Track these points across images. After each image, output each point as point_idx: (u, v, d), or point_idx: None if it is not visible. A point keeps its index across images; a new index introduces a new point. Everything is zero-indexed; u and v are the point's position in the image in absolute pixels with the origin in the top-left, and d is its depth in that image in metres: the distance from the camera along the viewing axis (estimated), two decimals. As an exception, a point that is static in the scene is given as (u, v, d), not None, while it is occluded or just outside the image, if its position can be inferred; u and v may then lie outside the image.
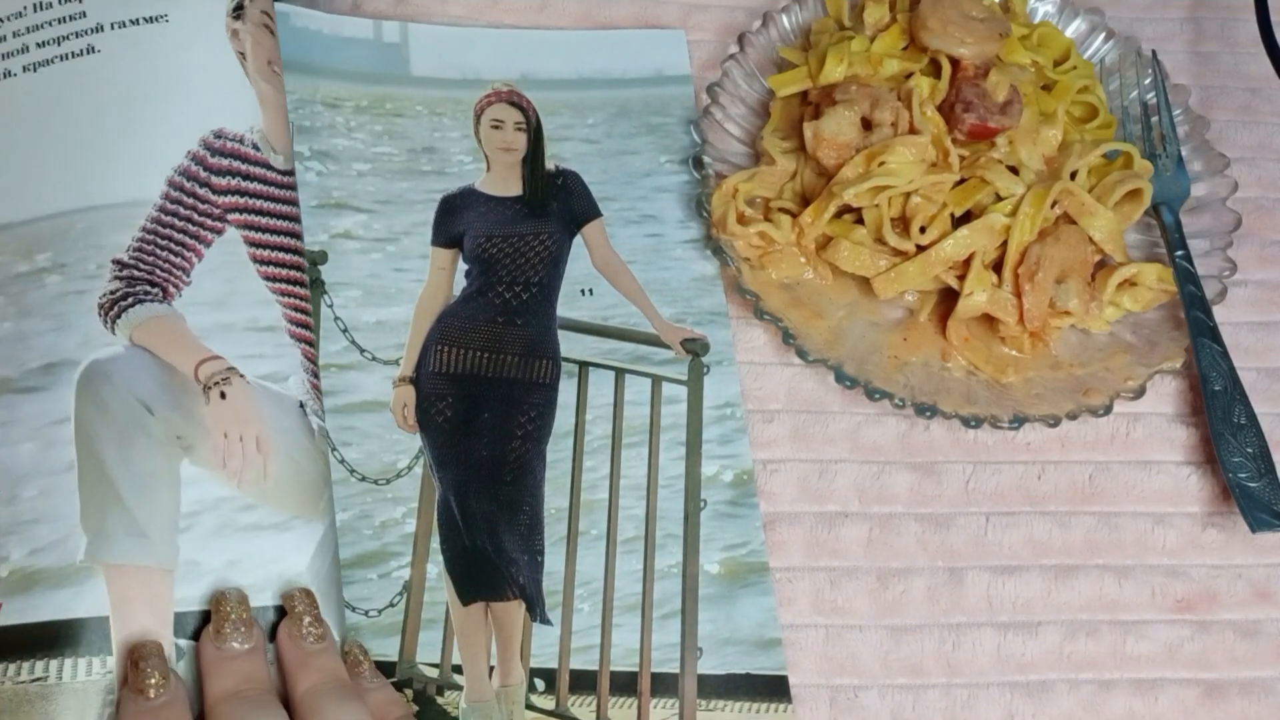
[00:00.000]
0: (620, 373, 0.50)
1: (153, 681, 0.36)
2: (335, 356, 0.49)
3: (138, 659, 0.37)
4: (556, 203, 0.53)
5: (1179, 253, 0.53)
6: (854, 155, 0.51)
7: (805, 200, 0.53)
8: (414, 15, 0.58)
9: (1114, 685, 0.47)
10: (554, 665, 0.44)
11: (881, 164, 0.51)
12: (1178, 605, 0.48)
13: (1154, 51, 0.59)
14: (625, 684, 0.44)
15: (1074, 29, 0.60)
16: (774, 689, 0.44)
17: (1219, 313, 0.52)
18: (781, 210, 0.53)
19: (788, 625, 0.46)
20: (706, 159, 0.54)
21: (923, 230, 0.51)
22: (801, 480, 0.49)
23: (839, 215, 0.52)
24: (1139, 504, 0.50)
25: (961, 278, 0.51)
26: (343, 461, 0.47)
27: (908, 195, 0.51)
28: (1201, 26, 0.64)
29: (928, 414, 0.48)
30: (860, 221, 0.51)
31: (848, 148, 0.52)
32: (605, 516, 0.47)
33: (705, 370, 0.50)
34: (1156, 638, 0.48)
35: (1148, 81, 0.58)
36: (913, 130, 0.51)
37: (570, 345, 0.50)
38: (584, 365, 0.50)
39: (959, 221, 0.51)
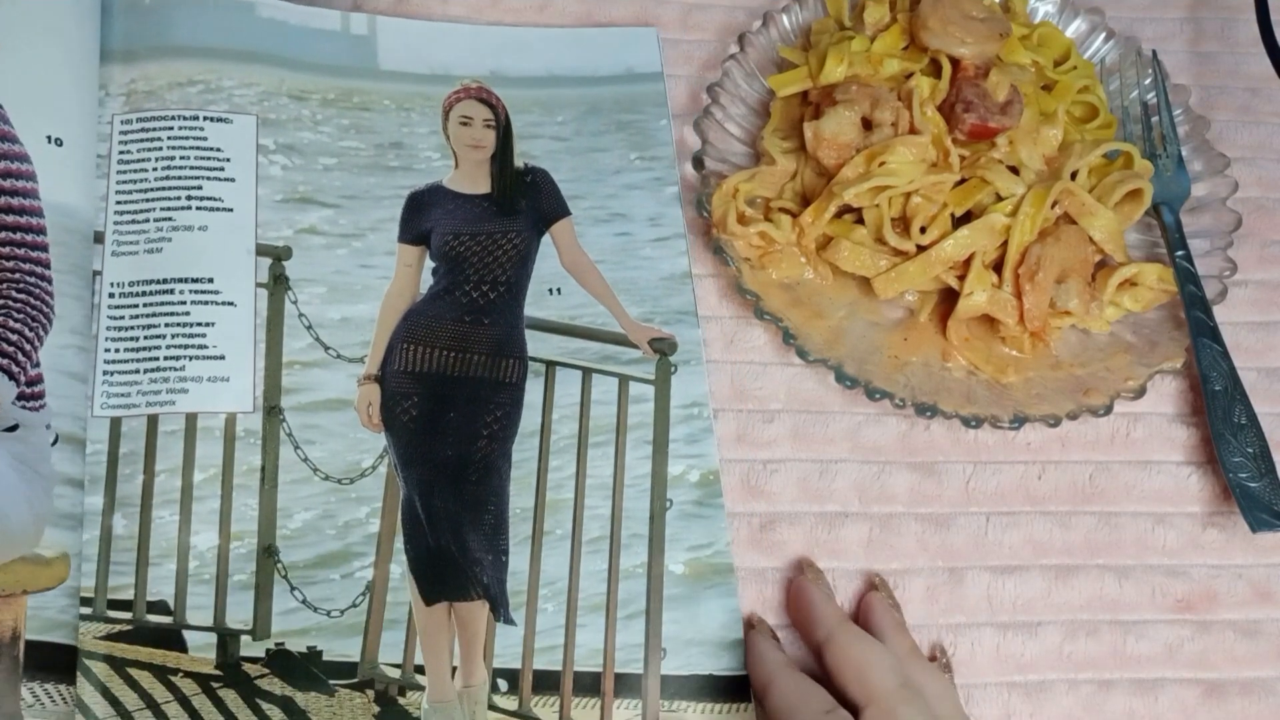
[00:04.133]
0: (587, 372, 0.50)
1: None
2: (299, 353, 0.48)
3: None
4: (525, 201, 0.53)
5: (1179, 253, 0.53)
6: (854, 155, 0.51)
7: (805, 200, 0.53)
8: (414, 13, 0.58)
9: (1114, 685, 0.47)
10: (517, 665, 0.44)
11: (882, 164, 0.51)
12: (1178, 605, 0.48)
13: (1154, 51, 0.59)
14: (589, 684, 0.44)
15: (1074, 29, 0.59)
16: (736, 690, 0.44)
17: (1219, 313, 0.52)
18: (781, 210, 0.53)
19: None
20: (706, 159, 0.54)
21: (923, 230, 0.51)
22: (801, 480, 0.49)
23: (839, 215, 0.52)
24: (1139, 504, 0.50)
25: (961, 278, 0.51)
26: (306, 460, 0.46)
27: (908, 195, 0.51)
28: (1201, 26, 0.64)
29: (928, 414, 0.48)
30: (860, 221, 0.51)
31: (848, 148, 0.52)
32: (570, 516, 0.47)
33: (673, 369, 0.50)
34: (1156, 638, 0.47)
35: (1148, 81, 0.58)
36: (913, 130, 0.51)
37: (537, 344, 0.50)
38: (551, 364, 0.49)
39: (959, 221, 0.51)
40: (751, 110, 0.57)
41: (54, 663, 0.42)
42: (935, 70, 0.53)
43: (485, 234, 0.51)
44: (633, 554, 0.46)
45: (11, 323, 0.44)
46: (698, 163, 0.54)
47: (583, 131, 0.56)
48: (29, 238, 0.46)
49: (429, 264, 0.51)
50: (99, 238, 0.49)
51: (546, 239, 0.52)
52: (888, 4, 0.55)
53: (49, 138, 0.48)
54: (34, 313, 0.45)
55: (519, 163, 0.54)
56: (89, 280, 0.48)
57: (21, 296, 0.44)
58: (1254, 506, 0.48)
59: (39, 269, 0.45)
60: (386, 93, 0.55)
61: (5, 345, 0.44)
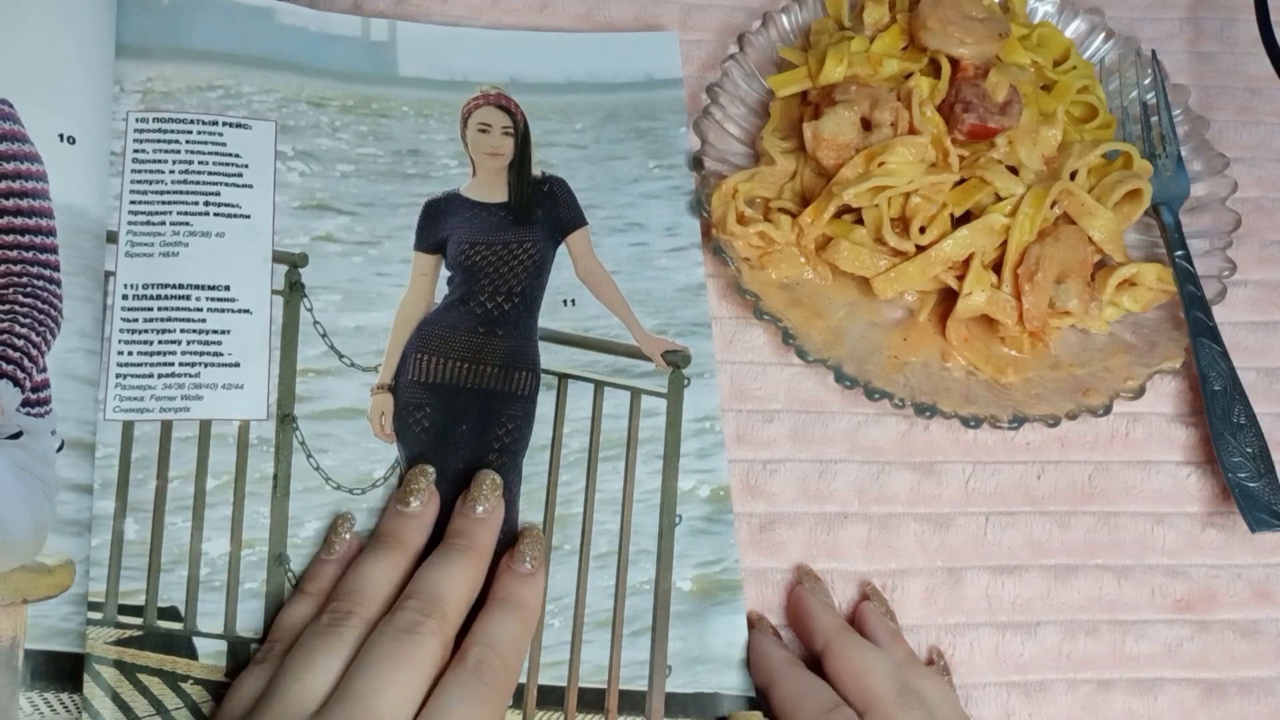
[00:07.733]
0: (600, 385, 0.49)
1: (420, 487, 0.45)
2: (313, 361, 0.48)
3: (408, 478, 0.45)
4: (542, 210, 0.52)
5: (1179, 253, 0.53)
6: (854, 155, 0.51)
7: (805, 200, 0.53)
8: (413, 15, 0.58)
9: (1113, 685, 0.47)
10: (522, 680, 0.44)
11: (881, 164, 0.51)
12: (1177, 605, 0.49)
13: (1154, 51, 0.59)
14: (593, 701, 0.44)
15: (1074, 29, 0.60)
16: (741, 709, 0.44)
17: (1219, 313, 0.52)
18: (781, 210, 0.53)
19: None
20: (706, 159, 0.54)
21: (922, 230, 0.51)
22: (801, 480, 0.49)
23: (839, 215, 0.52)
24: (1139, 504, 0.50)
25: (961, 278, 0.51)
26: (318, 469, 0.46)
27: (907, 195, 0.51)
28: (1201, 26, 0.64)
29: (927, 414, 0.48)
30: (860, 221, 0.52)
31: (847, 148, 0.52)
32: (579, 531, 0.46)
33: (686, 383, 0.49)
34: (1156, 637, 0.48)
35: (1147, 81, 0.58)
36: (912, 130, 0.51)
37: (550, 357, 0.49)
38: (563, 377, 0.49)
39: (959, 221, 0.51)
40: (751, 110, 0.57)
41: (57, 671, 0.41)
42: (935, 70, 0.53)
43: (501, 243, 0.51)
44: (641, 570, 0.46)
45: (18, 328, 0.44)
46: (697, 163, 0.54)
47: (601, 139, 0.55)
48: (38, 240, 0.45)
49: (444, 273, 0.51)
50: (111, 237, 0.48)
51: (561, 249, 0.52)
52: (887, 4, 0.55)
53: (61, 135, 0.47)
54: (41, 317, 0.45)
55: (536, 171, 0.53)
56: (99, 282, 0.47)
57: (29, 301, 0.44)
58: (1253, 506, 0.48)
59: (48, 272, 0.45)
60: (405, 99, 0.55)
61: (11, 352, 0.43)
